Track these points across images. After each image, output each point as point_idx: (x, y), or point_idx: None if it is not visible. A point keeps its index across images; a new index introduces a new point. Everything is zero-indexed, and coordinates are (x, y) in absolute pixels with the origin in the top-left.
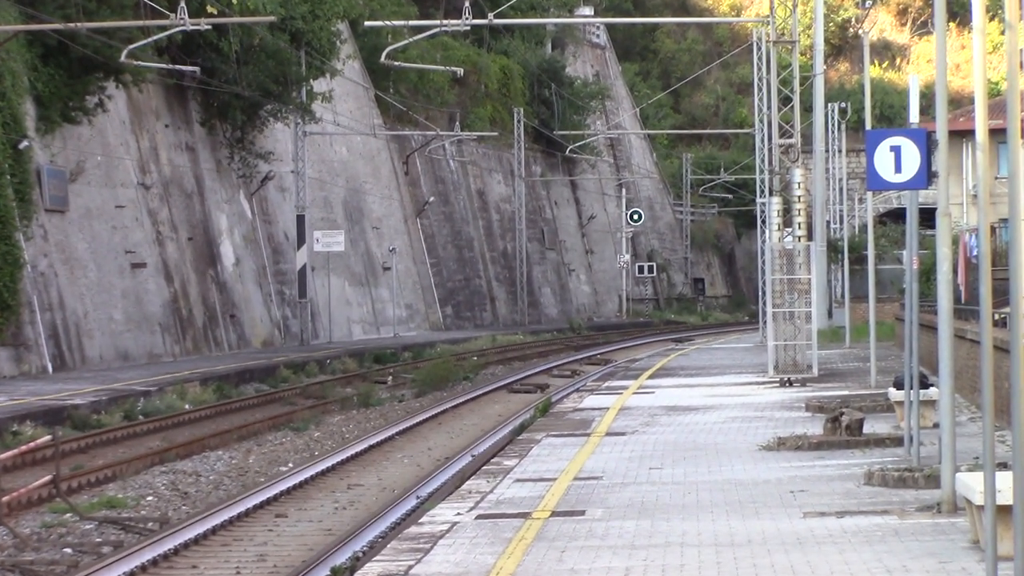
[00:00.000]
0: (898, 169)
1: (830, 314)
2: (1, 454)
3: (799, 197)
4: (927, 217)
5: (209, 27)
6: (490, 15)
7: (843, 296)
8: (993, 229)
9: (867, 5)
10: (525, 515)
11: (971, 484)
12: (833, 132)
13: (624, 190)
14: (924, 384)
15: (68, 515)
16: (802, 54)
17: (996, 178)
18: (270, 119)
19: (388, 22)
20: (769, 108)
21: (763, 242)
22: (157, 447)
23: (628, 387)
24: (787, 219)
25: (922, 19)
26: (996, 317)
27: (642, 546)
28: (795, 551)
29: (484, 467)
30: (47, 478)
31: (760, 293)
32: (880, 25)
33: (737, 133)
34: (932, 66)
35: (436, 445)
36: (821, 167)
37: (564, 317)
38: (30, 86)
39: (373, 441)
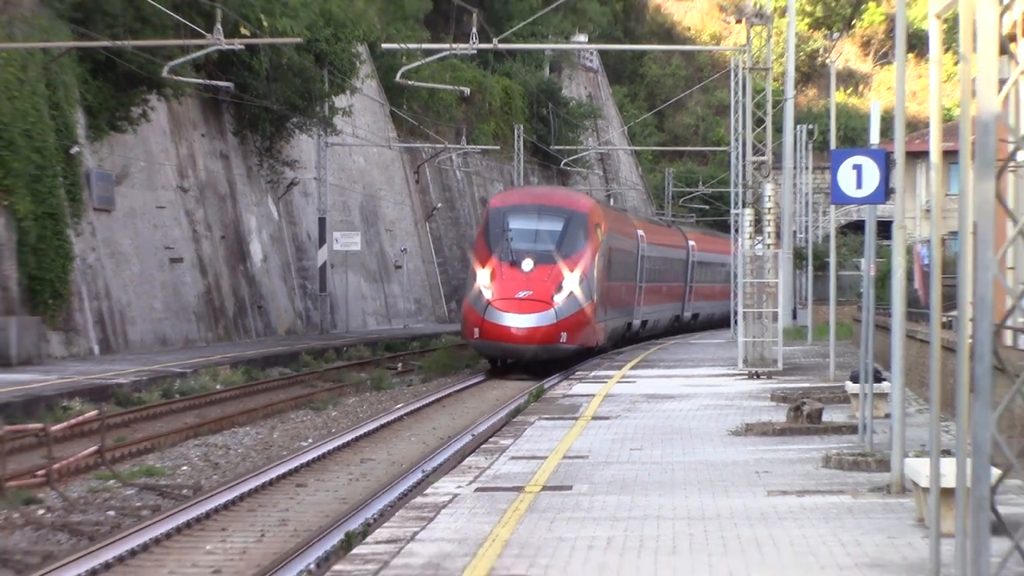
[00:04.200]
0: (859, 185)
1: (794, 315)
2: (53, 426)
3: (769, 209)
4: (884, 229)
5: (242, 47)
6: (495, 40)
7: (807, 298)
8: (944, 241)
9: (834, 37)
10: (519, 489)
11: (918, 468)
12: (801, 151)
13: (612, 200)
14: (877, 378)
15: (112, 482)
16: (775, 80)
17: (947, 195)
18: (296, 131)
19: (403, 45)
20: (744, 128)
21: (736, 249)
22: (191, 422)
23: (612, 377)
24: (758, 228)
25: (883, 50)
26: (944, 320)
27: (623, 518)
28: (759, 525)
29: (483, 445)
30: (93, 448)
31: (732, 295)
32: (845, 55)
33: (714, 150)
34: (892, 93)
35: (440, 425)
36: (789, 182)
37: None
38: (81, 97)
39: (384, 421)
